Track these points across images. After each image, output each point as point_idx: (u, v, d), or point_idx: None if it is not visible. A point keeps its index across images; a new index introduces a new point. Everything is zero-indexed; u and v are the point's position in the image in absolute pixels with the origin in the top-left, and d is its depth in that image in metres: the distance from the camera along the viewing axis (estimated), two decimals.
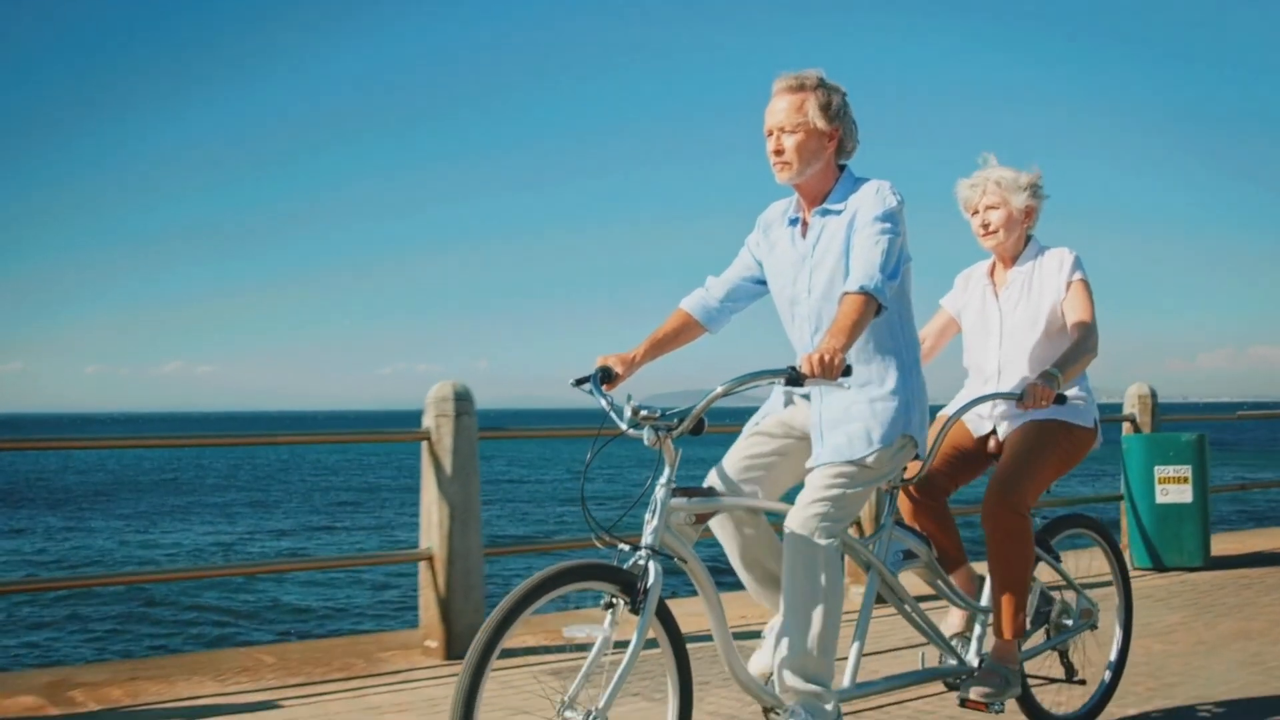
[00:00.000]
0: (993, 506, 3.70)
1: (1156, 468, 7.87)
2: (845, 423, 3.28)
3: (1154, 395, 8.49)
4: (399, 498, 35.27)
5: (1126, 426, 8.48)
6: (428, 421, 5.49)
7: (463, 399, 5.47)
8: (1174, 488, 7.82)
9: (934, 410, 3.77)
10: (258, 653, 5.53)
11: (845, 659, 3.38)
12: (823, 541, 3.16)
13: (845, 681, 3.34)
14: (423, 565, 5.45)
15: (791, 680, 3.18)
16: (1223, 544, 8.70)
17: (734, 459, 3.43)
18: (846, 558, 3.40)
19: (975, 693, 3.65)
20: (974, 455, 3.99)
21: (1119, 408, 8.62)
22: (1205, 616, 6.05)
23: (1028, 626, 3.81)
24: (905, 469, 3.53)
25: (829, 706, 3.20)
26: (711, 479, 3.42)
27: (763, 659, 3.44)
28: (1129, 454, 8.02)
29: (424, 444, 5.48)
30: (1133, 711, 4.23)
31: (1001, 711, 3.67)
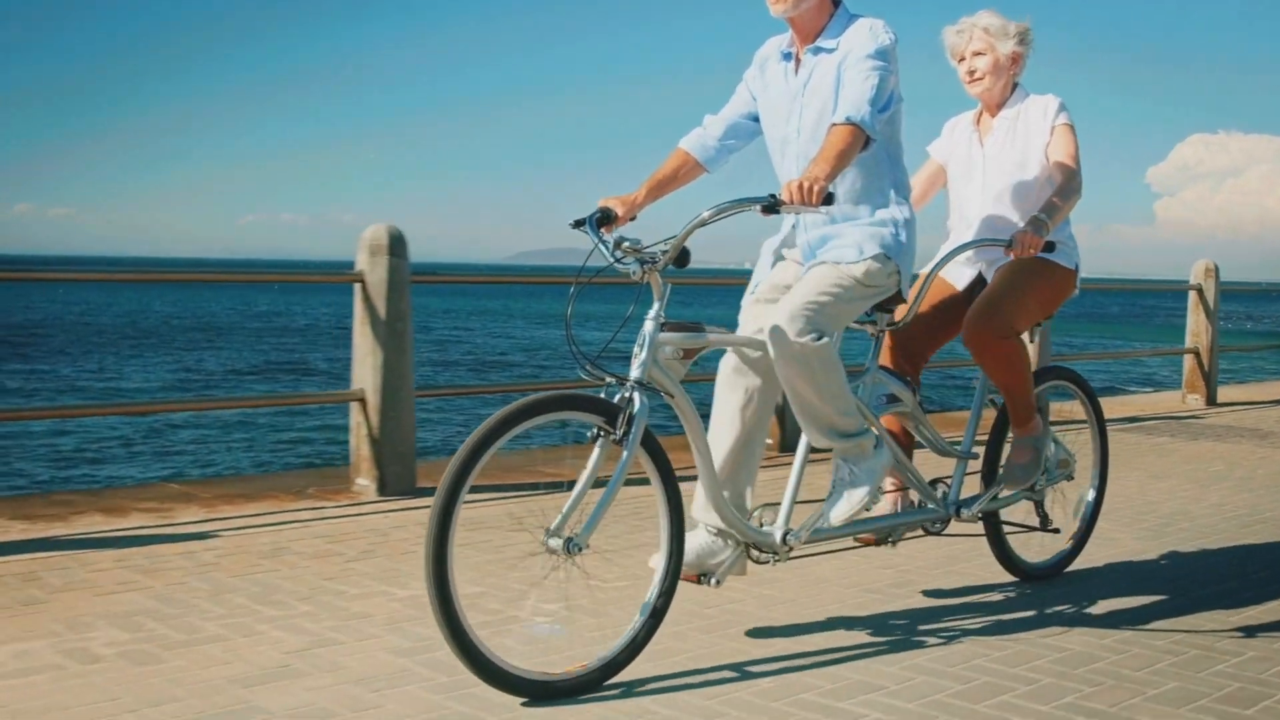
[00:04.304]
0: (972, 332, 3.72)
1: None
2: (835, 237, 3.29)
3: None
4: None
5: None
6: (361, 263, 5.60)
7: (397, 240, 5.62)
8: None
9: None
10: (193, 488, 5.69)
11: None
12: (808, 338, 3.09)
13: (835, 521, 3.33)
14: (354, 406, 5.61)
15: (832, 443, 3.27)
16: None
17: (746, 334, 3.36)
18: None
19: (1016, 453, 3.85)
20: (956, 308, 3.93)
21: None
22: None
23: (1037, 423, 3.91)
24: (893, 312, 3.57)
25: (872, 448, 3.32)
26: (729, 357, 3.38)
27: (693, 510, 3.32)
28: None
29: (357, 286, 5.59)
30: None
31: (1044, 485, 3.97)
